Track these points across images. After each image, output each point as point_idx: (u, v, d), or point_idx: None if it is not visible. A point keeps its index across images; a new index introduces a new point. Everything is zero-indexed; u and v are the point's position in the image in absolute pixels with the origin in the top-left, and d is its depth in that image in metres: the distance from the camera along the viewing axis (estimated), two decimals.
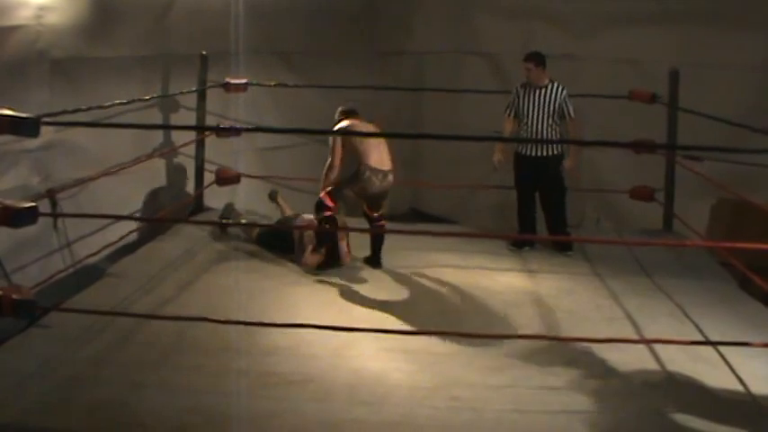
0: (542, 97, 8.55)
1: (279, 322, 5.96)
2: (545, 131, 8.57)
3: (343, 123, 7.93)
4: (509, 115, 8.80)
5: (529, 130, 8.61)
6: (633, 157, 9.13)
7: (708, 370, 5.81)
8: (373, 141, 7.77)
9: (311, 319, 6.17)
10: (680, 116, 9.15)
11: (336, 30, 11.15)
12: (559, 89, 8.57)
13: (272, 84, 9.97)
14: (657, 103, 9.27)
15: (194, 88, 9.48)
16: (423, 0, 12.14)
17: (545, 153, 8.62)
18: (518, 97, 8.70)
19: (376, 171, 7.74)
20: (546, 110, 8.53)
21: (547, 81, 8.61)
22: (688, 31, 10.35)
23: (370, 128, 7.93)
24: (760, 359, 5.88)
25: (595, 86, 9.27)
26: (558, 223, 8.72)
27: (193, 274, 7.63)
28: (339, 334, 5.90)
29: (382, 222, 8.18)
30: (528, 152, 8.68)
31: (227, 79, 9.54)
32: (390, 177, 7.88)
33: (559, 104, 8.53)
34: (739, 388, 5.63)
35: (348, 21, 11.31)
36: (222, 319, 5.90)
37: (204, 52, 9.51)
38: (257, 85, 9.79)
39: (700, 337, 6.40)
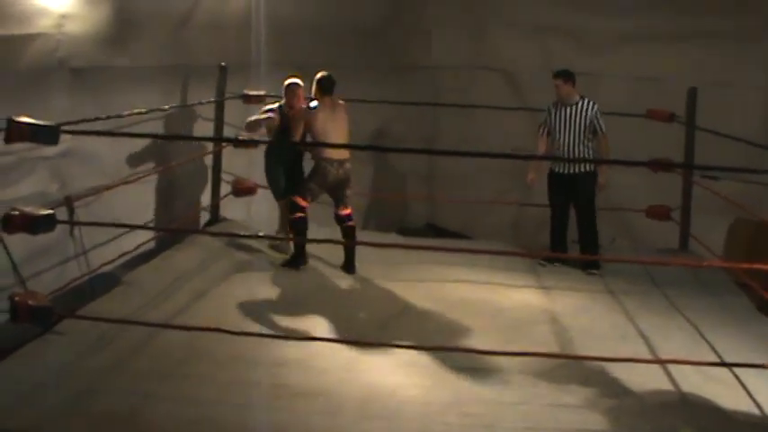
0: (573, 114, 8.50)
1: (290, 335, 5.96)
2: (576, 149, 8.51)
3: (314, 104, 8.24)
4: (542, 134, 8.76)
5: (561, 147, 8.57)
6: (650, 176, 9.10)
7: (722, 391, 5.77)
8: (331, 131, 8.10)
9: (323, 333, 6.17)
10: (697, 135, 9.13)
11: (354, 44, 11.18)
12: (590, 105, 8.51)
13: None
14: (675, 122, 9.24)
15: (213, 99, 9.50)
16: (440, 16, 12.16)
17: (577, 171, 8.57)
18: (550, 115, 8.66)
19: (331, 161, 8.07)
20: (577, 127, 8.49)
21: (577, 98, 8.56)
22: (707, 50, 10.36)
23: (338, 109, 8.30)
24: None
25: (613, 104, 9.24)
26: (588, 240, 8.65)
27: (207, 284, 7.64)
28: (351, 347, 5.89)
29: (351, 223, 8.34)
30: (560, 170, 8.64)
31: (246, 91, 9.56)
32: (347, 166, 8.19)
33: (590, 121, 8.48)
34: (754, 410, 5.59)
35: (366, 35, 11.34)
36: (235, 330, 5.90)
37: (223, 63, 9.53)
38: (274, 96, 9.79)
39: (714, 358, 6.36)
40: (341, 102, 8.36)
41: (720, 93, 9.67)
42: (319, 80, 8.30)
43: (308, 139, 8.25)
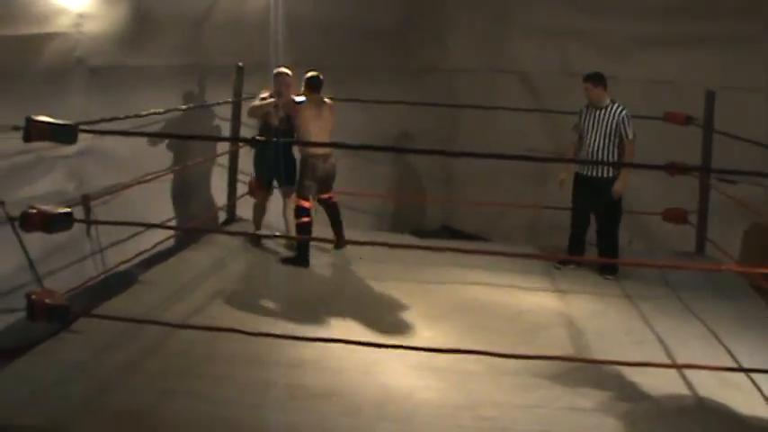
0: (601, 118, 8.47)
1: (308, 335, 5.97)
2: (601, 152, 8.46)
3: (300, 99, 8.61)
4: (575, 134, 8.74)
5: (588, 150, 8.54)
6: (667, 179, 9.08)
7: (739, 396, 5.75)
8: (315, 128, 8.44)
9: (340, 334, 6.17)
10: (715, 138, 9.10)
11: (372, 45, 11.19)
12: (619, 109, 8.46)
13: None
14: (692, 125, 9.22)
15: (230, 99, 9.52)
16: (458, 18, 12.16)
17: (602, 175, 8.52)
18: (580, 117, 8.64)
19: (317, 156, 8.46)
20: (603, 130, 8.44)
21: (608, 102, 8.52)
22: (724, 53, 10.33)
23: (324, 107, 8.60)
24: None
25: (630, 107, 9.21)
26: (608, 247, 8.59)
27: (224, 284, 7.66)
28: (367, 349, 5.88)
29: (334, 200, 8.74)
30: (586, 173, 8.61)
31: (263, 92, 9.56)
32: (332, 160, 8.63)
33: (617, 125, 8.42)
34: None
35: (384, 37, 11.36)
36: (251, 330, 5.89)
37: (240, 63, 9.55)
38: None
39: (731, 362, 6.34)
40: (328, 101, 8.63)
41: (737, 96, 9.63)
42: (308, 79, 8.60)
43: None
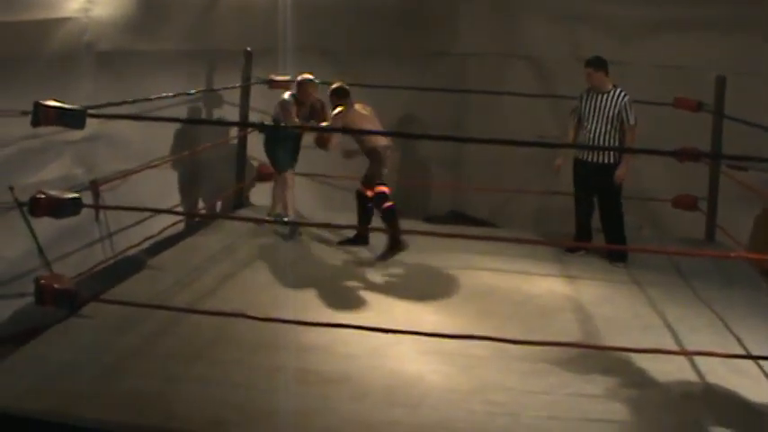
0: (603, 103, 8.41)
1: (317, 321, 5.97)
2: (603, 138, 8.40)
3: (340, 109, 8.42)
4: (574, 119, 8.70)
5: (588, 135, 8.49)
6: (677, 166, 9.04)
7: (747, 383, 5.74)
8: (371, 122, 8.47)
9: (349, 319, 6.19)
10: (725, 124, 9.06)
11: (381, 29, 11.15)
12: (621, 95, 8.41)
13: (317, 81, 9.97)
14: (703, 111, 9.17)
15: (238, 84, 9.51)
16: (468, 2, 12.10)
17: (603, 160, 8.47)
18: (581, 102, 8.59)
19: (386, 147, 8.44)
20: (605, 116, 8.38)
21: (610, 87, 8.46)
22: (735, 38, 10.25)
23: (364, 107, 8.62)
24: None
25: (641, 93, 9.16)
26: (614, 231, 8.53)
27: (233, 269, 7.66)
28: (376, 335, 5.88)
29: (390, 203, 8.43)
30: (586, 158, 8.56)
31: (271, 76, 9.56)
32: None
33: (619, 110, 8.37)
34: None
35: (393, 21, 11.31)
36: (261, 315, 5.91)
37: (249, 48, 9.54)
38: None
39: (740, 349, 6.32)
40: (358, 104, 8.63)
41: (748, 82, 9.58)
42: (337, 90, 8.57)
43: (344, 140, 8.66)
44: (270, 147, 8.96)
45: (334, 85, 8.61)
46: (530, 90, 10.88)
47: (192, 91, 8.89)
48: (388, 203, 8.31)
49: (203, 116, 9.64)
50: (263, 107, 9.88)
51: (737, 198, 9.16)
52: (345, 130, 8.48)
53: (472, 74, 11.99)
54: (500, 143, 6.36)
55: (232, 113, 9.75)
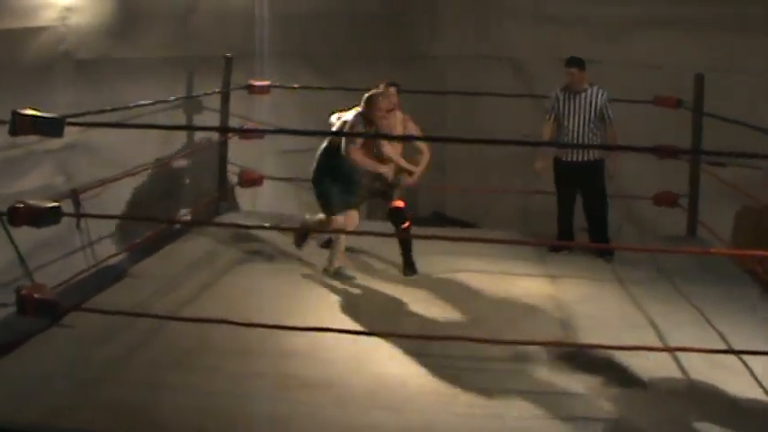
0: (583, 102, 8.44)
1: (299, 325, 5.96)
2: (585, 136, 8.43)
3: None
4: (548, 119, 8.70)
5: (569, 135, 8.50)
6: (657, 163, 9.08)
7: (731, 378, 5.75)
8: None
9: (331, 323, 6.18)
10: (705, 121, 9.10)
11: (360, 33, 11.16)
12: (600, 93, 8.45)
13: (296, 86, 9.97)
14: (682, 108, 9.21)
15: (218, 90, 9.49)
16: (447, 4, 12.13)
17: (585, 158, 8.51)
18: (558, 101, 8.60)
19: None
20: (587, 115, 8.42)
21: (586, 85, 8.51)
22: (714, 36, 10.31)
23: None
24: None
25: (620, 91, 9.20)
26: (599, 229, 8.58)
27: (215, 275, 7.64)
28: (359, 338, 5.90)
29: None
30: (568, 157, 8.58)
31: (251, 81, 9.55)
32: None
33: (600, 109, 8.42)
34: (762, 397, 5.58)
35: (372, 24, 11.32)
36: (242, 321, 5.90)
37: (229, 54, 9.52)
38: (280, 87, 9.79)
39: (723, 345, 6.34)
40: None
41: (726, 79, 9.62)
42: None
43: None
44: (321, 179, 7.79)
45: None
46: (510, 91, 10.90)
47: (172, 98, 8.85)
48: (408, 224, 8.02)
49: (184, 122, 9.61)
50: (243, 113, 9.88)
51: (718, 194, 9.21)
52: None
53: (452, 76, 12.01)
54: (485, 143, 6.36)
55: (212, 119, 9.72)
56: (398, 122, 7.98)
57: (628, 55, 10.56)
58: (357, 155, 7.51)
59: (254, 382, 5.54)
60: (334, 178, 7.72)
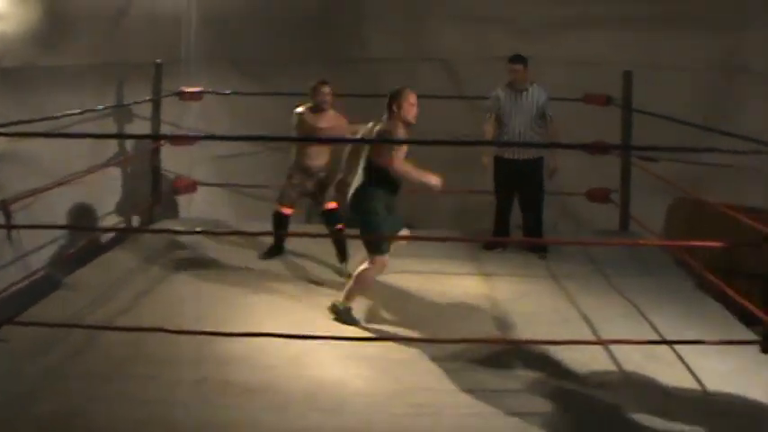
0: (525, 100, 8.52)
1: (235, 331, 5.94)
2: (527, 134, 8.51)
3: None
4: (490, 117, 8.75)
5: (511, 132, 8.57)
6: (589, 160, 9.20)
7: (664, 369, 5.87)
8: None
9: (269, 328, 6.15)
10: (634, 117, 9.23)
11: (292, 36, 11.12)
12: (541, 91, 8.55)
13: (227, 92, 9.92)
14: (612, 105, 9.34)
15: (149, 97, 9.40)
16: (376, 7, 12.14)
17: (527, 156, 8.57)
18: (499, 100, 8.65)
19: None
20: (528, 113, 8.50)
21: (528, 84, 8.60)
22: (641, 33, 10.48)
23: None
24: (715, 357, 5.96)
25: (551, 90, 9.30)
26: (536, 226, 8.67)
27: (149, 283, 7.57)
28: (297, 342, 5.89)
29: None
30: (510, 156, 8.64)
31: (182, 88, 9.48)
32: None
33: (541, 107, 8.52)
34: (695, 386, 5.70)
35: (304, 27, 11.29)
36: (178, 329, 5.86)
37: (159, 61, 9.44)
38: (212, 93, 9.73)
39: (656, 337, 6.46)
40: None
41: (654, 76, 9.78)
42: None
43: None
44: (373, 206, 6.67)
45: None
46: (442, 92, 10.95)
47: (103, 106, 8.75)
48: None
49: (115, 130, 9.50)
50: (174, 119, 9.81)
51: (649, 188, 9.35)
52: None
53: (384, 78, 12.01)
54: (422, 144, 6.37)
55: (144, 127, 9.63)
56: (332, 121, 8.07)
57: (558, 54, 10.66)
58: (407, 167, 6.64)
59: (191, 390, 5.50)
60: (385, 204, 6.74)
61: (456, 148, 9.07)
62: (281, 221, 8.17)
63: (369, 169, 6.65)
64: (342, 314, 6.73)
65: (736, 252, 8.42)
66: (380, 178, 6.63)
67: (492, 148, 8.83)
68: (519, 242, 8.95)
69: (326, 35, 11.54)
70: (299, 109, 8.11)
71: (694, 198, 8.81)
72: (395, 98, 6.75)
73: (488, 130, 8.76)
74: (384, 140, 6.55)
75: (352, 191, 6.72)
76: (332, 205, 8.05)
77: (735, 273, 9.15)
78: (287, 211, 8.18)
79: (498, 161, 8.72)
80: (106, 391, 5.44)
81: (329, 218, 8.08)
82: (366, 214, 6.63)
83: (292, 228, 8.45)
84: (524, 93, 8.55)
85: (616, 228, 9.49)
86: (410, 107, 6.76)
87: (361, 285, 6.74)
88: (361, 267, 6.72)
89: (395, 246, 6.87)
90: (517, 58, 8.58)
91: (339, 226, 8.02)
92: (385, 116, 6.77)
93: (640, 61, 9.91)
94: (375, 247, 6.61)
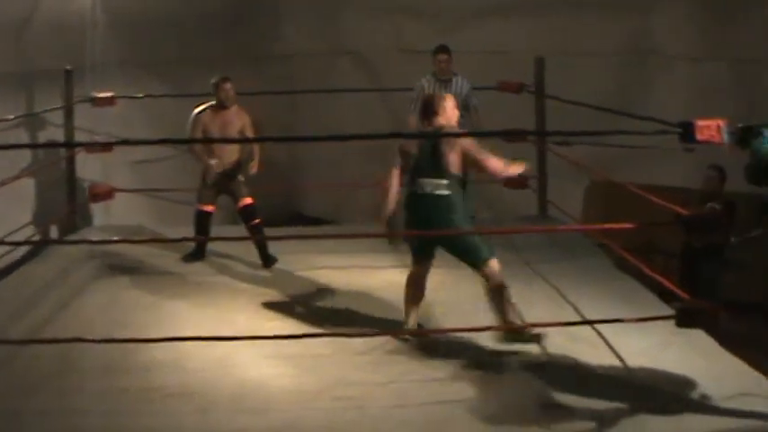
0: (449, 90, 8.55)
1: (159, 337, 5.89)
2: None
3: None
4: (414, 109, 8.72)
5: None
6: (505, 147, 9.24)
7: (586, 349, 5.96)
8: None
9: (191, 332, 6.14)
10: (548, 103, 9.34)
11: (206, 35, 11.06)
12: (464, 81, 8.63)
13: (141, 96, 9.80)
14: (525, 92, 9.44)
15: (59, 105, 9.23)
16: (290, 2, 12.13)
17: None
18: (424, 90, 8.68)
19: None
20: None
21: (452, 74, 8.65)
22: (551, 20, 10.62)
23: None
24: (635, 334, 6.05)
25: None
26: None
27: (70, 294, 7.44)
28: (220, 344, 5.87)
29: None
30: None
31: (94, 93, 9.34)
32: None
33: (465, 97, 8.58)
34: (617, 363, 5.81)
35: (218, 26, 11.23)
36: (103, 337, 5.81)
37: (69, 67, 9.28)
38: (125, 97, 9.60)
39: (578, 318, 6.55)
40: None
41: (566, 61, 9.92)
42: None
43: None
44: (463, 217, 6.29)
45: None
46: (358, 85, 10.99)
47: (12, 116, 8.59)
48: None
49: (27, 140, 9.32)
50: (90, 126, 9.66)
51: (566, 173, 9.47)
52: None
53: (300, 74, 12.03)
54: (337, 140, 6.38)
55: (57, 135, 9.47)
56: (235, 116, 8.14)
57: (470, 43, 10.75)
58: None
59: (117, 398, 5.43)
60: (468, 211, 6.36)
61: (371, 142, 9.08)
62: (202, 220, 8.16)
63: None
64: (517, 337, 6.15)
65: (653, 231, 8.59)
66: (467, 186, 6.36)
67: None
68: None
69: (241, 32, 11.50)
70: (199, 109, 8.10)
71: (609, 181, 8.94)
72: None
73: (413, 122, 8.78)
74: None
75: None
76: (248, 201, 8.12)
77: (653, 251, 9.38)
78: (208, 208, 8.18)
79: None
80: (29, 407, 5.34)
81: (246, 214, 8.14)
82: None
83: (214, 228, 8.42)
84: (449, 83, 8.64)
85: (535, 213, 9.59)
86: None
87: (504, 296, 6.21)
88: (491, 285, 6.22)
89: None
90: (443, 48, 8.68)
91: (256, 221, 8.09)
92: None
93: (552, 48, 10.05)
94: (483, 258, 6.19)
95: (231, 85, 8.13)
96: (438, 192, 6.14)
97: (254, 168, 8.24)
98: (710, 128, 5.06)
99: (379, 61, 11.75)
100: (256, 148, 8.31)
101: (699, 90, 10.17)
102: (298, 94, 11.53)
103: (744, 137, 5.09)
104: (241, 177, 8.16)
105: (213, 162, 7.99)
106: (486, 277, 6.18)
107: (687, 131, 5.07)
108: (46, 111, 9.19)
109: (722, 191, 8.72)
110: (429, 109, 6.31)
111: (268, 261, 8.12)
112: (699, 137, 5.05)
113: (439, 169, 6.12)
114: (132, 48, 10.03)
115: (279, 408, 5.29)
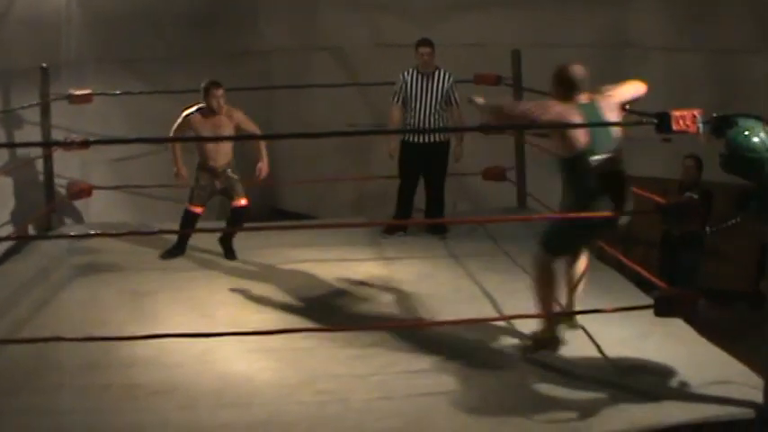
0: (432, 84, 8.59)
1: (140, 334, 5.89)
2: (432, 118, 8.61)
3: None
4: (397, 102, 8.76)
5: (416, 116, 8.62)
6: (484, 140, 9.30)
7: (567, 338, 5.99)
8: None
9: (172, 328, 6.13)
10: (524, 96, 9.37)
11: (183, 32, 11.02)
12: (447, 75, 8.64)
13: (118, 92, 9.77)
14: (503, 85, 9.46)
15: (35, 102, 9.18)
16: None
17: (433, 140, 8.68)
18: (405, 84, 8.70)
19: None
20: (434, 97, 8.58)
21: (434, 67, 8.68)
22: (529, 12, 10.64)
23: None
24: (614, 324, 6.11)
25: None
26: (438, 208, 8.82)
27: (49, 292, 7.39)
28: (202, 340, 5.86)
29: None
30: (416, 140, 8.70)
31: (70, 91, 9.29)
32: None
33: (447, 91, 8.61)
34: (596, 354, 5.85)
35: (192, 23, 11.19)
36: (81, 336, 5.79)
37: (44, 65, 9.23)
38: (102, 94, 9.56)
39: (557, 309, 6.56)
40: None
41: (543, 53, 9.93)
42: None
43: None
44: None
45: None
46: (336, 81, 10.99)
47: None
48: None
49: (3, 139, 9.26)
50: (67, 124, 9.61)
51: (544, 165, 9.49)
52: None
53: (278, 70, 12.01)
54: (314, 136, 6.40)
55: (35, 133, 9.41)
56: (226, 119, 8.05)
57: (449, 36, 10.75)
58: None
59: (99, 396, 5.44)
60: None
61: (350, 137, 9.11)
62: (189, 220, 8.14)
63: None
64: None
65: (633, 221, 8.62)
66: None
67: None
68: (418, 223, 9.02)
69: (218, 28, 11.47)
70: (188, 111, 8.05)
71: None
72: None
73: (395, 115, 8.81)
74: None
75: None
76: (243, 202, 8.11)
77: (632, 242, 9.44)
78: (197, 209, 8.15)
79: (405, 145, 8.80)
80: (10, 407, 5.32)
81: (237, 214, 8.13)
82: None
83: (199, 227, 8.42)
84: (432, 76, 8.65)
85: (514, 205, 9.63)
86: None
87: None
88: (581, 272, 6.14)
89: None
90: (425, 42, 8.69)
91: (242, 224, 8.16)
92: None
93: (530, 40, 10.08)
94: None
95: (223, 92, 8.02)
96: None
97: (263, 170, 8.25)
98: (686, 118, 5.11)
99: (356, 56, 11.76)
100: (262, 145, 8.29)
101: (675, 81, 10.23)
102: (275, 90, 11.49)
103: (719, 126, 5.15)
104: (235, 175, 8.12)
105: (183, 173, 8.09)
106: (582, 262, 6.16)
107: (663, 122, 5.13)
108: (22, 107, 9.12)
109: (699, 180, 8.80)
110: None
111: (231, 254, 8.17)
112: (674, 127, 5.11)
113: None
114: (109, 44, 9.98)
115: (262, 402, 5.31)
